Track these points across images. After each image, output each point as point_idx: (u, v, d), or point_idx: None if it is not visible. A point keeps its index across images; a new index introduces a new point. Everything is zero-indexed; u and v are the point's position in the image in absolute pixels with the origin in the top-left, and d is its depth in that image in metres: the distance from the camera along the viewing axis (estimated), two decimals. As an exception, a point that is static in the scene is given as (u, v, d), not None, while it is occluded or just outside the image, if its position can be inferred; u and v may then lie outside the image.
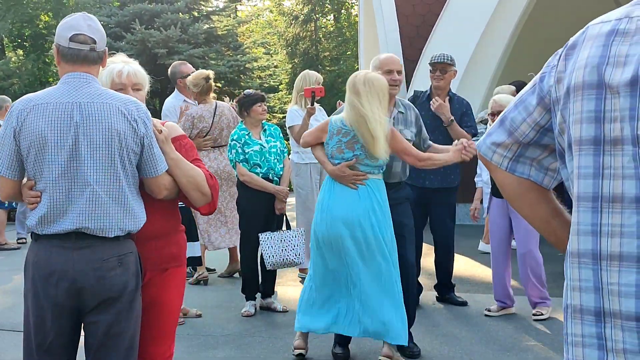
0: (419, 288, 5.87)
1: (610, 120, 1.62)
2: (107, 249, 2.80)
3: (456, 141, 4.61)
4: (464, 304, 6.06)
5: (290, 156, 7.07)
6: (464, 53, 9.94)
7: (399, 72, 4.78)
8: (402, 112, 4.77)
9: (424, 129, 4.92)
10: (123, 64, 3.17)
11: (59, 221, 2.77)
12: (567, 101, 1.72)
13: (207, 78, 6.61)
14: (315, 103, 6.03)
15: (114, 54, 3.35)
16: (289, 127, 6.69)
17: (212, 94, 6.79)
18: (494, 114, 5.56)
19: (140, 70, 3.19)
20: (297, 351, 4.70)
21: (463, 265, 7.44)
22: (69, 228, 2.76)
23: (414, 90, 6.41)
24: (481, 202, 6.78)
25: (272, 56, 23.59)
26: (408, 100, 5.74)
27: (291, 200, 6.40)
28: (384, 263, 4.32)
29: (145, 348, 3.10)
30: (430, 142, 5.00)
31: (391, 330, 4.31)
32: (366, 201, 4.34)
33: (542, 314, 5.53)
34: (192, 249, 5.85)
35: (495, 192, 5.62)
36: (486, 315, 5.66)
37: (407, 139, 4.55)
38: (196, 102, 7.01)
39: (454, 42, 9.85)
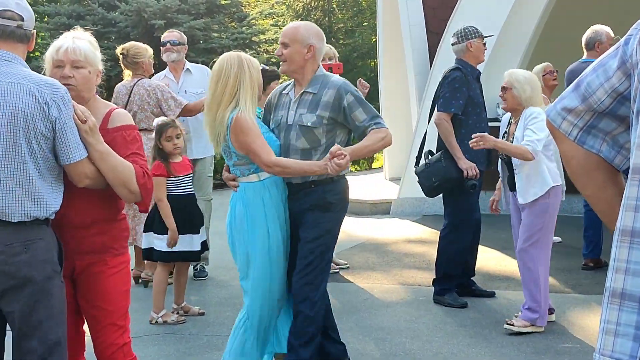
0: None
1: None
2: (11, 233, 2.86)
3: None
4: (492, 295, 6.16)
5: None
6: (494, 24, 9.84)
7: (283, 45, 4.27)
8: (313, 93, 4.23)
9: (359, 113, 4.16)
10: (67, 39, 3.19)
11: None
12: None
13: (122, 53, 6.53)
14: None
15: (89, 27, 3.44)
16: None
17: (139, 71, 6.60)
18: (504, 88, 5.22)
19: (85, 48, 3.18)
20: None
21: (493, 260, 7.41)
22: None
23: (446, 71, 6.07)
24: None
25: (280, 28, 23.54)
26: (453, 80, 5.81)
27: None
28: (245, 290, 4.18)
29: (93, 337, 3.26)
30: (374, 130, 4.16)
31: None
32: (232, 212, 4.17)
33: (512, 325, 5.12)
34: (190, 242, 5.66)
35: (512, 183, 5.28)
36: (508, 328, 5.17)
37: (306, 125, 4.14)
38: (173, 77, 7.04)
39: (483, 11, 9.76)
